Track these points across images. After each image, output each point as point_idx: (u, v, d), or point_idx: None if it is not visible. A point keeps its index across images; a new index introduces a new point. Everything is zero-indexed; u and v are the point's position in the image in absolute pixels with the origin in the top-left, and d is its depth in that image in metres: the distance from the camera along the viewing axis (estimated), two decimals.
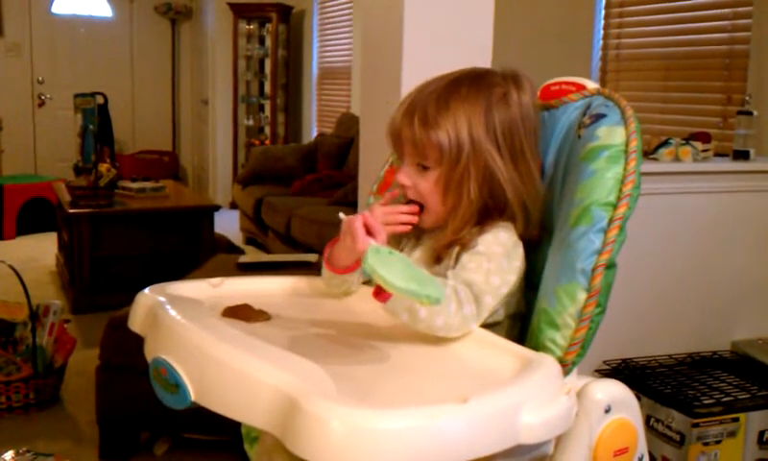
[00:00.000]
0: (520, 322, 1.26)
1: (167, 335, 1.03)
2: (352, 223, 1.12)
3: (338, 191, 5.01)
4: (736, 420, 2.22)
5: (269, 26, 7.10)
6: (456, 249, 1.22)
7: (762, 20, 3.07)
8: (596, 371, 2.39)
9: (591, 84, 1.30)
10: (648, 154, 2.52)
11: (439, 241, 1.25)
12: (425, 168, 1.22)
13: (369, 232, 1.11)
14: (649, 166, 2.42)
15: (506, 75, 1.25)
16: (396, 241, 1.35)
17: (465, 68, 1.27)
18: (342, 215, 1.17)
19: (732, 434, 2.22)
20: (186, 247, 4.33)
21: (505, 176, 1.20)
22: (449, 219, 1.23)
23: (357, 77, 5.85)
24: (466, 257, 1.19)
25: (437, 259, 1.25)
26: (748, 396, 2.26)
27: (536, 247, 1.28)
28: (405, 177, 1.24)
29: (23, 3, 7.59)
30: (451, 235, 1.22)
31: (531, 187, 1.23)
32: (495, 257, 1.18)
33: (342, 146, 5.76)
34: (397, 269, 1.02)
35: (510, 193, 1.20)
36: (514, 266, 1.20)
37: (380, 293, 1.07)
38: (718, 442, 2.20)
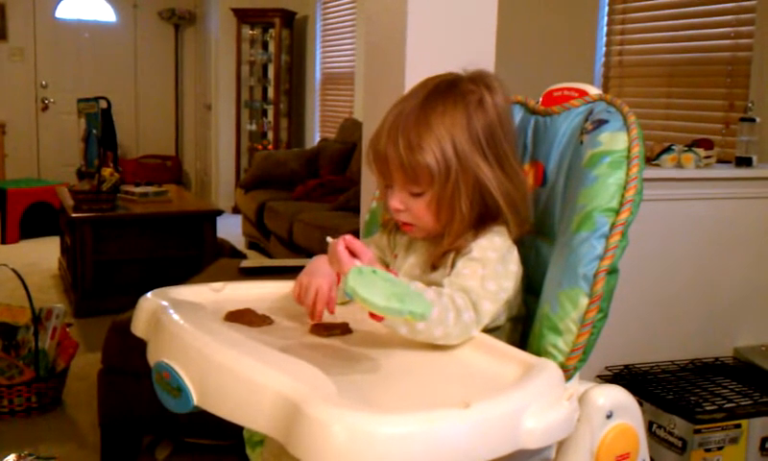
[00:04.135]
0: (521, 325, 1.26)
1: (170, 339, 1.03)
2: (335, 247, 1.11)
3: (340, 196, 5.01)
4: (738, 426, 2.21)
5: (272, 31, 7.11)
6: (451, 255, 1.22)
7: (765, 27, 3.08)
8: (598, 376, 2.39)
9: (594, 90, 1.30)
10: (651, 160, 2.52)
11: (433, 252, 1.25)
12: (418, 194, 1.22)
13: (353, 254, 1.10)
14: (651, 172, 2.42)
15: (475, 79, 1.24)
16: (390, 247, 1.35)
17: (430, 78, 1.26)
18: (329, 239, 1.16)
19: (735, 441, 2.21)
20: (189, 251, 4.34)
21: (494, 183, 1.19)
22: (445, 233, 1.22)
23: (360, 82, 5.86)
24: (460, 264, 1.19)
25: (432, 267, 1.25)
26: (750, 402, 2.26)
27: (535, 251, 1.29)
28: (398, 202, 1.23)
29: (27, 7, 7.62)
30: (447, 246, 1.22)
31: (519, 185, 1.23)
32: (490, 263, 1.18)
33: (344, 151, 5.77)
34: (379, 288, 1.00)
35: (501, 199, 1.20)
36: (509, 270, 1.20)
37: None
38: (720, 448, 2.20)
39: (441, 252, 1.23)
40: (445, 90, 1.22)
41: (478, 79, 1.24)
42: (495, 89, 1.23)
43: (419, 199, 1.22)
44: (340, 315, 1.24)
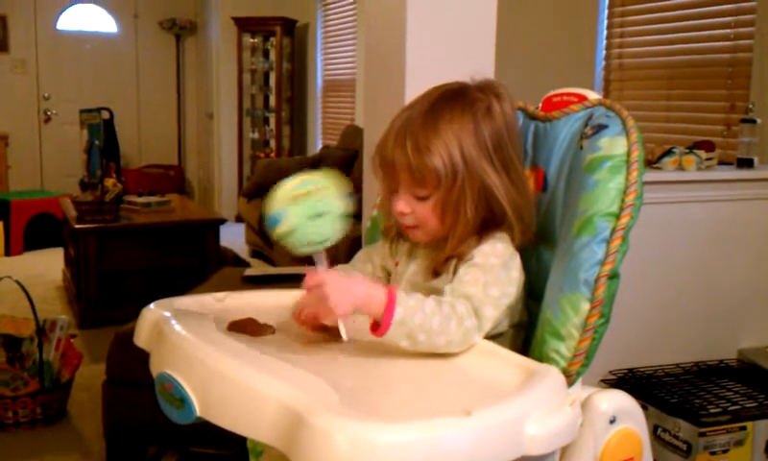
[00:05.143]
0: (524, 331, 1.26)
1: (172, 350, 1.04)
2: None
3: None
4: (743, 428, 2.21)
5: (273, 39, 7.12)
6: (453, 261, 1.22)
7: (765, 28, 3.07)
8: (602, 381, 2.38)
9: (593, 95, 1.30)
10: (652, 163, 2.51)
11: (435, 258, 1.25)
12: (423, 198, 1.22)
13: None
14: (653, 175, 2.42)
15: (483, 87, 1.25)
16: (392, 255, 1.35)
17: (437, 87, 1.27)
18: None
19: (740, 443, 2.21)
20: (192, 261, 4.34)
21: (500, 189, 1.20)
22: (448, 237, 1.23)
23: (361, 89, 5.86)
24: (462, 270, 1.19)
25: (434, 274, 1.25)
26: (755, 404, 2.25)
27: (537, 257, 1.29)
28: (404, 205, 1.24)
29: (29, 19, 7.64)
30: (450, 252, 1.22)
31: (524, 193, 1.24)
32: (493, 269, 1.18)
33: (346, 158, 5.77)
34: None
35: (506, 205, 1.21)
36: (512, 277, 1.20)
37: (376, 328, 1.08)
38: (725, 451, 2.19)
39: (443, 257, 1.23)
40: (453, 98, 1.23)
41: (486, 87, 1.25)
42: (504, 98, 1.24)
43: (424, 202, 1.22)
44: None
